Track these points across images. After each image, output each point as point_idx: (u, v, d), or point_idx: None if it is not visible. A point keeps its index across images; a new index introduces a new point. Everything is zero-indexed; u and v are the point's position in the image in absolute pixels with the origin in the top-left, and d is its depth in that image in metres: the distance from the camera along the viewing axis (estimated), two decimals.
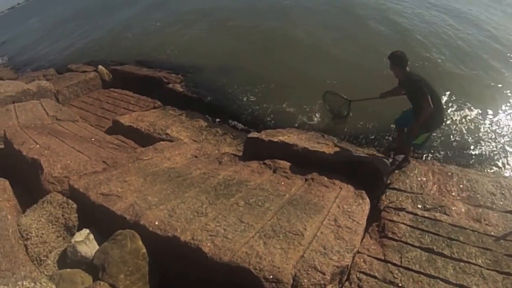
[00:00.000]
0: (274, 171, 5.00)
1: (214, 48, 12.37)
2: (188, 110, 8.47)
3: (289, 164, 5.14)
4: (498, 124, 7.93)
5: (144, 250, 3.35)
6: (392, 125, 6.97)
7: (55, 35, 20.84)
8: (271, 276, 2.93)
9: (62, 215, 4.05)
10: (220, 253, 3.13)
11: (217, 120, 8.28)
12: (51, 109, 7.89)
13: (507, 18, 14.58)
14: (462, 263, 3.72)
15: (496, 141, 7.44)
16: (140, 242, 3.36)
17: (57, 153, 5.29)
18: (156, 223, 3.50)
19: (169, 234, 3.37)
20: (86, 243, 3.64)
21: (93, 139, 6.50)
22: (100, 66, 10.97)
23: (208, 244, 3.22)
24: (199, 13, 16.81)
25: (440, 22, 13.17)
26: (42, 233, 3.88)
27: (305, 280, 2.98)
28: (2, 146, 6.29)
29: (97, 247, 3.61)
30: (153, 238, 3.42)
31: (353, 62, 9.81)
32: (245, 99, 9.11)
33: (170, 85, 9.78)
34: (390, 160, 6.10)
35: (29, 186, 5.10)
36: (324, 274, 3.05)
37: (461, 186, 5.53)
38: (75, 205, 4.13)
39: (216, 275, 3.14)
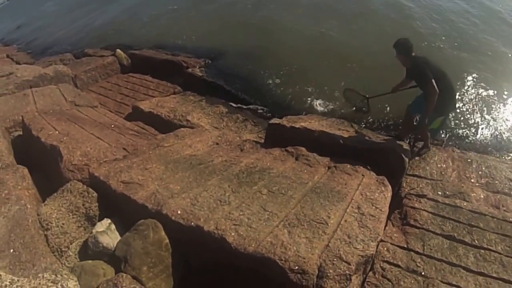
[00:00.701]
0: (297, 158, 4.92)
1: (235, 32, 12.13)
2: (208, 96, 8.33)
3: (311, 153, 5.04)
4: None
5: (167, 241, 3.25)
6: None
7: (71, 19, 20.74)
8: (296, 267, 2.84)
9: (83, 205, 3.96)
10: (244, 243, 3.03)
11: (238, 106, 8.10)
12: (69, 95, 7.83)
13: None
14: (482, 251, 3.72)
15: None
16: (163, 233, 3.25)
17: (76, 139, 5.21)
18: (179, 212, 3.39)
19: (192, 223, 3.26)
20: (107, 234, 3.55)
21: (112, 126, 6.41)
22: (118, 50, 10.85)
23: (232, 234, 3.11)
24: None
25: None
26: (63, 223, 3.79)
27: (330, 271, 2.89)
28: (20, 133, 6.28)
29: (119, 237, 3.53)
30: (176, 227, 3.32)
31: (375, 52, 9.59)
32: (266, 84, 8.96)
33: (190, 70, 9.60)
34: (411, 146, 6.00)
35: (48, 173, 5.05)
36: (349, 264, 2.96)
37: (480, 172, 5.58)
38: (95, 194, 4.04)
39: (240, 265, 3.05)
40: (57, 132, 5.44)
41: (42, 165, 5.19)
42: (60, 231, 3.72)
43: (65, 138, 5.21)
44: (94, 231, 3.54)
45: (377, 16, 12.24)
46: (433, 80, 4.80)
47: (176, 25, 14.03)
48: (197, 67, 9.87)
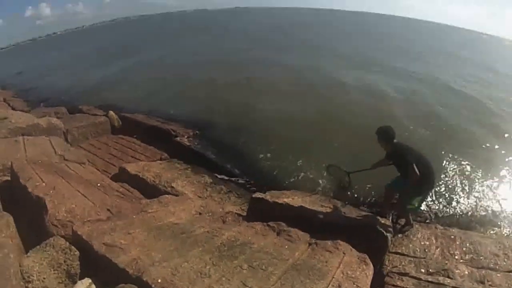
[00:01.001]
0: (278, 234, 5.03)
1: (226, 105, 12.76)
2: (194, 165, 8.55)
3: (293, 229, 5.14)
4: (499, 185, 8.32)
5: None
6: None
7: (71, 72, 21.39)
8: None
9: (64, 261, 3.97)
10: None
11: (223, 177, 8.29)
12: (59, 148, 7.97)
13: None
14: None
15: (498, 202, 7.73)
16: None
17: (62, 194, 5.28)
18: (159, 280, 3.45)
19: None
20: None
21: (98, 184, 6.50)
22: (110, 112, 11.18)
23: None
24: (222, 66, 17.37)
25: None
26: (44, 278, 3.78)
27: None
28: (8, 178, 6.31)
29: None
30: None
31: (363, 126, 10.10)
32: (252, 157, 9.27)
33: (178, 138, 9.95)
34: (393, 223, 6.09)
35: (32, 223, 5.04)
36: None
37: (464, 249, 5.66)
38: (77, 252, 4.06)
39: None
40: (44, 184, 5.51)
41: (27, 214, 5.19)
42: (41, 285, 3.70)
43: (51, 191, 5.28)
44: None
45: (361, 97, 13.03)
46: (414, 164, 5.04)
47: (170, 92, 14.57)
48: (186, 136, 10.22)
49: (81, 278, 3.85)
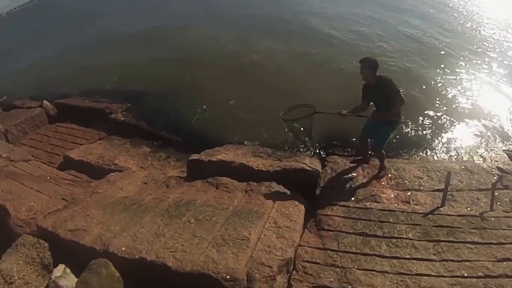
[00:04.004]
0: (217, 187, 5.48)
1: (150, 74, 12.67)
2: (132, 138, 8.80)
3: (229, 179, 5.60)
4: (420, 112, 8.68)
5: (118, 274, 3.78)
6: (354, 139, 7.39)
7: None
8: (228, 277, 3.51)
9: (37, 255, 4.30)
10: (182, 265, 3.68)
11: (160, 144, 8.63)
12: (3, 151, 7.81)
13: None
14: (394, 239, 4.28)
15: (421, 129, 8.22)
16: (113, 268, 3.79)
17: (19, 196, 5.50)
18: (123, 248, 3.98)
19: (136, 256, 3.87)
20: (65, 277, 3.98)
21: (48, 177, 6.69)
22: (45, 101, 10.79)
23: (171, 260, 3.76)
24: (137, 37, 17.01)
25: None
26: (24, 275, 4.09)
27: (256, 275, 3.58)
28: None
29: (76, 279, 3.94)
30: (123, 262, 3.88)
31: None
32: (184, 121, 9.51)
33: (113, 115, 9.98)
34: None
35: None
36: (271, 267, 3.68)
37: (389, 175, 6.01)
38: (46, 244, 4.40)
39: (183, 283, 3.69)
40: (0, 191, 5.70)
41: None
42: (23, 282, 4.03)
43: (8, 195, 5.48)
44: (52, 277, 3.96)
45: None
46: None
47: (98, 70, 14.16)
48: (119, 111, 10.25)
49: (55, 266, 4.22)
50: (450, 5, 17.99)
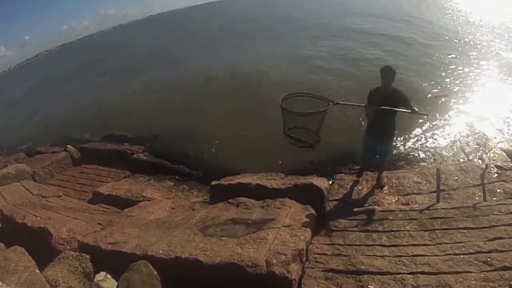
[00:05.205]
0: (237, 206, 5.98)
1: (165, 115, 13.83)
2: (155, 175, 9.50)
3: (247, 198, 6.10)
4: (419, 125, 9.25)
5: (155, 272, 4.28)
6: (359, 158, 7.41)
7: (18, 116, 21.01)
8: (250, 263, 4.06)
9: (80, 265, 4.82)
10: (212, 259, 4.24)
11: (181, 178, 9.30)
12: (34, 189, 8.52)
13: None
14: (393, 232, 4.78)
15: (421, 140, 8.79)
16: (151, 267, 4.29)
17: (58, 221, 6.08)
18: (161, 251, 4.52)
19: (172, 256, 4.42)
20: (106, 281, 4.49)
21: (81, 209, 7.31)
22: (69, 146, 11.66)
23: (202, 256, 4.31)
24: (151, 82, 18.18)
25: None
26: (68, 280, 4.63)
27: (274, 261, 4.09)
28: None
29: (115, 283, 4.44)
30: (160, 262, 4.40)
31: None
32: (201, 156, 10.29)
33: (135, 156, 10.71)
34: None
35: (34, 251, 5.66)
36: (286, 255, 4.20)
37: (390, 184, 6.54)
38: (88, 256, 4.92)
39: (213, 274, 4.20)
40: (39, 218, 6.26)
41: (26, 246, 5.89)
42: (67, 286, 4.57)
43: (48, 221, 6.07)
44: (95, 280, 4.49)
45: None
46: None
47: (116, 115, 15.23)
48: (141, 152, 11.03)
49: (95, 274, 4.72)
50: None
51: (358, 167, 7.37)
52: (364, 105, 5.25)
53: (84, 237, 5.44)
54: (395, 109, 5.27)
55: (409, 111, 5.29)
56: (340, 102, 5.12)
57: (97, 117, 15.85)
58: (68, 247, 5.47)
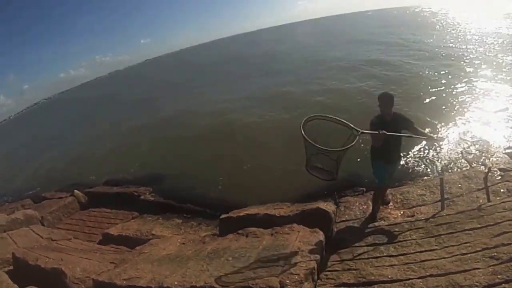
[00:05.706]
0: (247, 236, 6.09)
1: (167, 155, 14.34)
2: (163, 214, 9.65)
3: (256, 228, 6.21)
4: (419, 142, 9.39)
5: None
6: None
7: (21, 164, 21.31)
8: (264, 286, 4.18)
9: None
10: (227, 285, 4.39)
11: (189, 215, 9.44)
12: (43, 233, 8.67)
13: None
14: (400, 242, 4.90)
15: (422, 155, 9.03)
16: None
17: (71, 262, 6.23)
18: (176, 283, 4.63)
19: (187, 286, 4.53)
20: None
21: (92, 250, 7.42)
22: (75, 191, 11.83)
23: (218, 283, 4.44)
24: (149, 125, 18.68)
25: None
26: None
27: (287, 281, 4.24)
28: (10, 268, 6.99)
29: None
30: None
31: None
32: (206, 193, 10.45)
33: (142, 197, 10.90)
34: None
35: None
36: (298, 275, 4.34)
37: (395, 200, 6.77)
38: None
39: None
40: (51, 259, 6.41)
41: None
42: None
43: (61, 261, 6.22)
44: None
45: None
46: None
47: (118, 159, 15.60)
48: (147, 193, 11.20)
49: None
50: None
51: (362, 188, 7.79)
52: (377, 132, 4.89)
53: (98, 275, 5.53)
54: (413, 136, 5.18)
55: (425, 137, 5.49)
56: (365, 131, 4.72)
57: (99, 162, 16.24)
58: (83, 286, 5.58)
